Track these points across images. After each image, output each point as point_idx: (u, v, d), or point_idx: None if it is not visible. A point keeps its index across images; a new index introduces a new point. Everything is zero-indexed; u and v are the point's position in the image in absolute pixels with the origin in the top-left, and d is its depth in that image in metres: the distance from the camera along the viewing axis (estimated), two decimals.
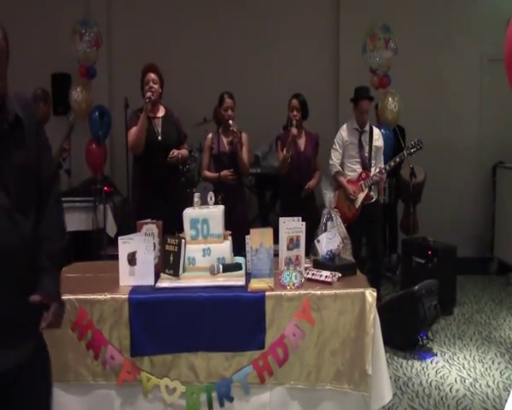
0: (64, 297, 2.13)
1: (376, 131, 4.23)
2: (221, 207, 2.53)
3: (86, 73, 5.04)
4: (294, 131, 3.89)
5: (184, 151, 3.70)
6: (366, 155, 4.11)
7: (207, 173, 3.92)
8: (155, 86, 3.46)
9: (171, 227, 2.49)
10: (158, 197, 3.43)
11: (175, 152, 3.49)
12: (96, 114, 4.87)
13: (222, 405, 2.17)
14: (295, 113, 3.95)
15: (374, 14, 5.36)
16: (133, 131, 3.44)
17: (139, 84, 3.62)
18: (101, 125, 4.86)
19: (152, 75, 3.47)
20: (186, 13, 5.85)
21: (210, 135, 3.94)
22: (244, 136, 3.83)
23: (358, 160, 4.11)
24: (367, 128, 4.16)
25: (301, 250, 2.45)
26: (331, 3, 5.91)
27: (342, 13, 5.84)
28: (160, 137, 3.49)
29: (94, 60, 5.09)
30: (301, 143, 4.06)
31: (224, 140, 3.81)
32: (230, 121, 3.68)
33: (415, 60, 5.62)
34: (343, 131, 4.17)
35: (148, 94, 3.39)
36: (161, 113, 3.60)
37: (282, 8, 5.87)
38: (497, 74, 5.11)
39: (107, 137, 5.16)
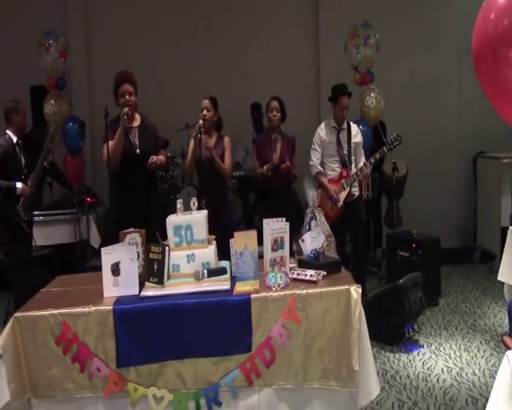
0: (47, 312, 2.15)
1: (354, 127, 4.26)
2: (204, 213, 2.53)
3: (55, 85, 4.99)
4: (267, 171, 3.92)
5: (162, 157, 3.63)
6: (345, 152, 4.14)
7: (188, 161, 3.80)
8: (132, 98, 3.34)
9: (158, 240, 2.47)
10: (141, 210, 3.34)
11: (154, 158, 3.42)
12: (70, 124, 4.83)
13: None
14: (275, 113, 3.98)
15: (353, 11, 5.42)
16: (109, 144, 3.27)
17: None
18: (77, 136, 4.82)
19: (127, 86, 3.35)
20: (166, 18, 5.84)
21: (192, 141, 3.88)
22: (227, 139, 3.79)
23: (337, 158, 4.14)
24: (345, 125, 4.19)
25: (286, 251, 2.46)
26: (310, 1, 5.94)
27: (321, 10, 5.89)
28: (138, 150, 3.39)
29: (62, 71, 5.05)
30: (277, 148, 4.06)
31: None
32: (200, 121, 3.64)
33: (395, 55, 5.69)
34: (321, 131, 4.20)
35: (126, 110, 3.28)
36: (137, 122, 3.50)
37: (262, 11, 5.89)
38: None
39: (81, 149, 5.11)
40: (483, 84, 2.22)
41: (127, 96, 3.33)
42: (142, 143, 3.44)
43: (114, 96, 3.41)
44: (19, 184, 3.79)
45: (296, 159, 4.14)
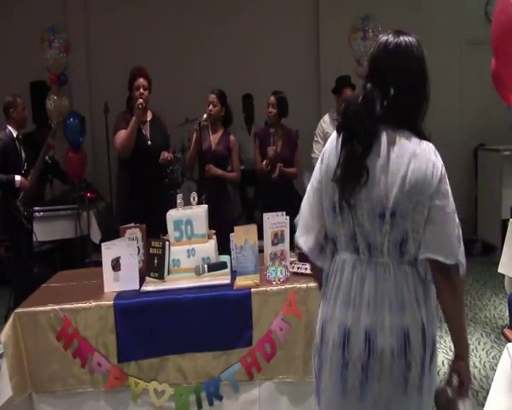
0: (48, 307, 2.16)
1: None
2: (204, 207, 2.53)
3: (57, 80, 4.98)
4: (271, 151, 3.77)
5: (171, 154, 3.63)
6: None
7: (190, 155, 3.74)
8: (145, 92, 3.43)
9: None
10: (150, 202, 3.36)
11: (166, 154, 3.48)
12: (71, 120, 4.83)
13: (211, 404, 2.19)
14: (270, 109, 3.85)
15: (354, 3, 5.39)
16: (122, 133, 3.37)
17: (119, 88, 3.56)
18: (77, 131, 4.82)
19: (142, 80, 3.43)
20: (166, 14, 5.80)
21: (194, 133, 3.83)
22: (233, 140, 3.69)
23: None
24: None
25: (286, 245, 2.47)
26: None
27: (322, 2, 5.86)
28: (149, 142, 3.45)
29: (64, 66, 5.03)
30: (278, 144, 3.98)
31: (212, 138, 3.67)
32: (205, 115, 3.62)
33: None
34: (323, 123, 4.18)
35: (140, 101, 3.34)
36: (149, 117, 3.57)
37: (263, 2, 5.86)
38: (477, 58, 5.20)
39: (81, 144, 5.11)
40: (503, 72, 2.16)
41: (141, 90, 3.42)
42: (153, 137, 3.49)
43: (129, 91, 3.48)
44: (18, 177, 3.78)
45: (299, 154, 3.97)
